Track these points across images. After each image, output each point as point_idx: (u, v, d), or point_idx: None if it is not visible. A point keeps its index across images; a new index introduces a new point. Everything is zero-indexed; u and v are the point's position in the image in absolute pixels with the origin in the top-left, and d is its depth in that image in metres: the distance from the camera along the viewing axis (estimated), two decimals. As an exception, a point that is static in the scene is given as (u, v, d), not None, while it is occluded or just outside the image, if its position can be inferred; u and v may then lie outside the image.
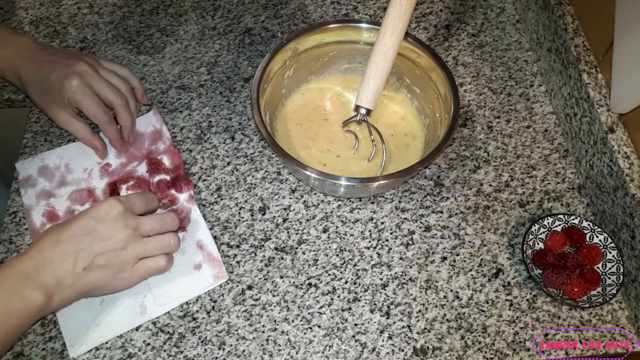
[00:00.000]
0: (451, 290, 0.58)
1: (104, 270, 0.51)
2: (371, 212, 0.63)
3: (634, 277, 0.56)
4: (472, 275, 0.59)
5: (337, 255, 0.60)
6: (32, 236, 0.60)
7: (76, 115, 0.63)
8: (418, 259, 0.60)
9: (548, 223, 0.60)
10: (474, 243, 0.61)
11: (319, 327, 0.56)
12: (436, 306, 0.57)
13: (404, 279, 0.59)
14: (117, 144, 0.64)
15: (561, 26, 0.67)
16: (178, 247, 0.56)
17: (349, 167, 0.64)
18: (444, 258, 0.60)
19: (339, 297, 0.58)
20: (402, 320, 0.56)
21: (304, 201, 0.63)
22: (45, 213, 0.61)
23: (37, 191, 0.62)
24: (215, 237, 0.61)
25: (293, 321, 0.56)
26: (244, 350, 0.54)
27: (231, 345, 0.55)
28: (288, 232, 0.61)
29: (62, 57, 0.62)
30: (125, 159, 0.64)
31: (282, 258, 0.60)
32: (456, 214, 0.63)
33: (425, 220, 0.62)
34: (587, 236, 0.59)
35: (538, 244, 0.60)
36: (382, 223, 0.62)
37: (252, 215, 0.62)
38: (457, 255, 0.60)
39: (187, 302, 0.57)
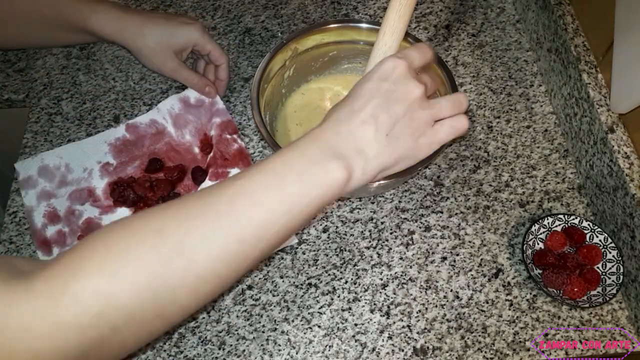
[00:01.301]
0: (451, 290, 0.58)
1: (406, 136, 0.45)
2: (371, 212, 0.63)
3: (634, 277, 0.56)
4: (472, 275, 0.59)
5: (337, 255, 0.60)
6: (34, 237, 0.60)
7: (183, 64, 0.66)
8: (418, 259, 0.60)
9: (548, 223, 0.60)
10: (474, 243, 0.61)
11: (319, 327, 0.56)
12: (436, 306, 0.57)
13: (404, 279, 0.59)
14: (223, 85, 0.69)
15: (561, 26, 0.67)
16: (468, 104, 0.49)
17: (349, 167, 0.64)
18: (444, 258, 0.60)
19: (339, 297, 0.58)
20: (402, 320, 0.56)
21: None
22: (46, 213, 0.61)
23: (38, 192, 0.62)
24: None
25: (293, 321, 0.56)
26: (244, 350, 0.54)
27: (231, 345, 0.55)
28: (288, 232, 0.61)
29: (163, 14, 0.68)
30: (126, 159, 0.64)
31: (282, 258, 0.60)
32: (456, 214, 0.63)
33: (425, 220, 0.62)
34: (587, 236, 0.59)
35: (538, 244, 0.60)
36: (382, 223, 0.62)
37: (252, 215, 0.62)
38: (457, 255, 0.60)
39: (187, 302, 0.57)
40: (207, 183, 0.63)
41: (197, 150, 0.65)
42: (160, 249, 0.36)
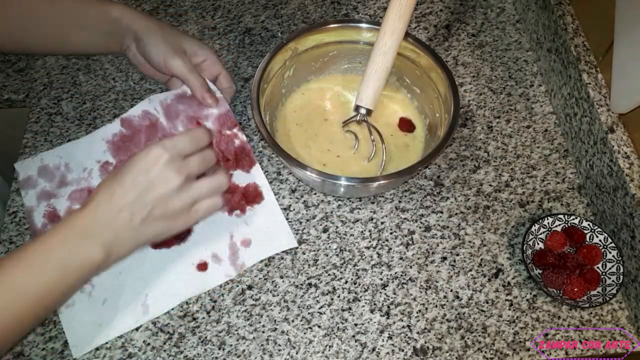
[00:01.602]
0: (451, 290, 0.58)
1: (161, 220, 0.50)
2: (371, 212, 0.63)
3: (634, 277, 0.56)
4: (472, 275, 0.59)
5: (337, 255, 0.60)
6: (33, 237, 0.60)
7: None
8: (418, 259, 0.60)
9: (548, 223, 0.60)
10: (474, 243, 0.61)
11: (319, 327, 0.56)
12: (436, 306, 0.57)
13: (404, 279, 0.59)
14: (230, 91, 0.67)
15: (561, 26, 0.67)
16: (229, 184, 0.55)
17: (349, 167, 0.64)
18: (444, 258, 0.60)
19: (339, 297, 0.58)
20: (402, 320, 0.56)
21: (304, 201, 0.63)
22: (46, 214, 0.61)
23: (38, 192, 0.62)
24: (215, 237, 0.61)
25: (293, 321, 0.56)
26: (244, 350, 0.54)
27: (231, 345, 0.55)
28: (288, 232, 0.61)
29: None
30: (125, 157, 0.64)
31: (282, 258, 0.60)
32: (456, 214, 0.63)
33: (425, 220, 0.62)
34: (587, 236, 0.59)
35: (538, 244, 0.60)
36: (382, 223, 0.62)
37: (252, 215, 0.62)
38: (457, 255, 0.60)
39: (187, 302, 0.57)
40: None
41: None
42: None
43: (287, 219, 0.62)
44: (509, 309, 0.57)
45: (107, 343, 0.55)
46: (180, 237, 0.60)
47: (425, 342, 0.55)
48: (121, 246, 0.49)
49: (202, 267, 0.58)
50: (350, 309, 0.57)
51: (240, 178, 0.63)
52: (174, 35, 0.63)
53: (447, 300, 0.57)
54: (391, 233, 0.62)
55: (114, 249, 0.49)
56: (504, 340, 0.55)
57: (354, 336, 0.55)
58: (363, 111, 0.60)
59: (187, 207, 0.51)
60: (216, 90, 0.65)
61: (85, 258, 0.47)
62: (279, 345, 0.55)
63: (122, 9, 0.63)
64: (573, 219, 0.60)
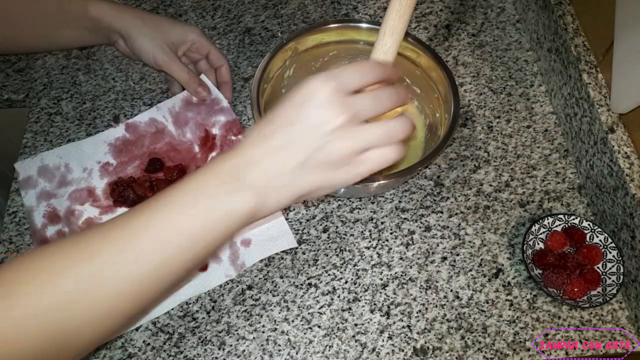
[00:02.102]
0: (451, 290, 0.58)
1: (322, 167, 0.41)
2: (371, 212, 0.63)
3: (634, 277, 0.56)
4: (472, 275, 0.59)
5: (337, 255, 0.60)
6: (33, 237, 0.60)
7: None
8: (418, 259, 0.60)
9: (548, 223, 0.60)
10: (474, 243, 0.61)
11: (319, 327, 0.56)
12: (436, 306, 0.57)
13: (404, 279, 0.59)
14: (229, 87, 0.67)
15: (561, 26, 0.67)
16: (409, 133, 0.44)
17: (349, 167, 0.64)
18: (444, 258, 0.60)
19: (339, 297, 0.58)
20: (402, 321, 0.56)
21: (304, 201, 0.63)
22: (46, 214, 0.61)
23: (38, 192, 0.62)
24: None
25: (293, 321, 0.56)
26: (244, 351, 0.54)
27: (231, 345, 0.55)
28: (288, 232, 0.61)
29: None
30: (126, 158, 0.64)
31: (282, 258, 0.60)
32: (456, 214, 0.63)
33: (426, 220, 0.62)
34: (587, 236, 0.59)
35: (538, 244, 0.60)
36: (382, 223, 0.62)
37: (252, 215, 0.62)
38: (457, 255, 0.60)
39: (186, 302, 0.57)
40: None
41: (197, 149, 0.65)
42: (64, 287, 0.38)
43: (287, 219, 0.62)
44: (509, 309, 0.57)
45: (107, 343, 0.55)
46: None
47: (426, 342, 0.55)
48: (276, 196, 0.41)
49: (202, 267, 0.58)
50: (350, 309, 0.57)
51: None
52: (157, 26, 0.64)
53: (447, 301, 0.57)
54: (391, 233, 0.62)
55: (268, 198, 0.41)
56: (504, 340, 0.55)
57: (354, 336, 0.55)
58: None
59: (353, 155, 0.41)
60: (222, 98, 0.67)
61: (232, 206, 0.40)
62: (279, 345, 0.55)
63: (100, 7, 0.63)
64: (573, 219, 0.60)
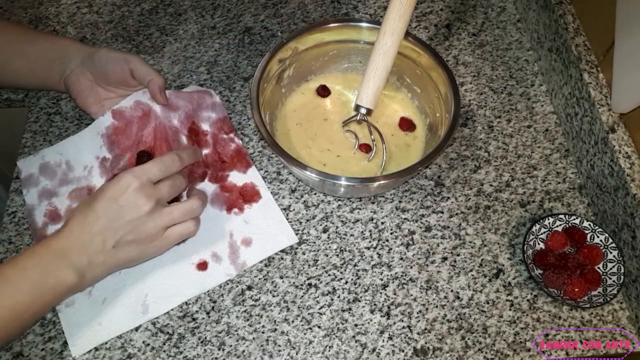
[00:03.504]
0: (452, 291, 0.58)
1: (133, 245, 0.52)
2: (371, 212, 0.63)
3: (634, 277, 0.55)
4: (472, 275, 0.59)
5: (337, 255, 0.60)
6: (34, 236, 0.60)
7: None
8: (418, 259, 0.60)
9: (549, 223, 0.60)
10: (474, 243, 0.61)
11: (319, 327, 0.56)
12: (436, 306, 0.57)
13: (404, 279, 0.59)
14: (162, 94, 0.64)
15: (562, 25, 0.67)
16: (202, 210, 0.57)
17: (349, 167, 0.64)
18: (445, 258, 0.60)
19: (339, 297, 0.57)
20: (403, 321, 0.56)
21: (304, 201, 0.63)
22: (47, 212, 0.60)
23: (39, 190, 0.62)
24: (215, 237, 0.60)
25: (293, 322, 0.56)
26: (243, 351, 0.54)
27: (231, 346, 0.55)
28: (288, 232, 0.61)
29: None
30: (119, 151, 0.63)
31: (282, 258, 0.60)
32: (457, 214, 0.63)
33: (426, 221, 0.62)
34: (588, 236, 0.59)
35: (539, 244, 0.60)
36: (382, 223, 0.62)
37: (252, 215, 0.62)
38: (458, 255, 0.60)
39: (186, 303, 0.57)
40: (207, 184, 0.63)
41: (184, 139, 0.64)
42: None
43: (287, 219, 0.62)
44: (510, 310, 0.57)
45: (106, 343, 0.55)
46: None
47: (426, 343, 0.55)
48: (94, 270, 0.51)
49: (202, 266, 0.58)
50: (350, 309, 0.57)
51: (237, 178, 0.64)
52: (106, 50, 0.63)
53: (448, 301, 0.57)
54: (391, 233, 0.61)
55: (88, 273, 0.51)
56: (504, 340, 0.55)
57: (354, 337, 0.55)
58: (363, 111, 0.60)
59: (159, 232, 0.53)
60: (213, 92, 0.66)
61: (58, 280, 0.49)
62: (279, 345, 0.55)
63: (67, 42, 0.64)
64: (574, 219, 0.59)
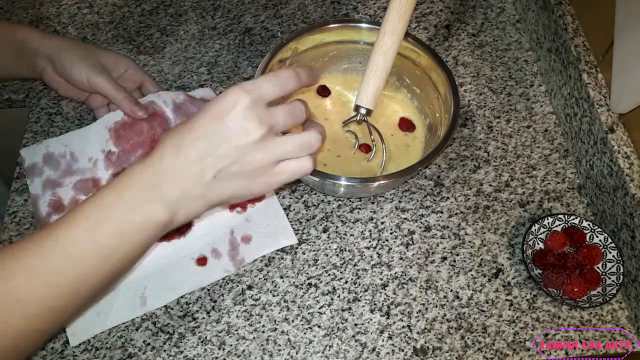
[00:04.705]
0: (451, 290, 0.58)
1: (237, 178, 0.42)
2: (371, 212, 0.63)
3: (634, 277, 0.56)
4: (472, 275, 0.59)
5: (337, 255, 0.60)
6: (38, 226, 0.60)
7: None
8: (418, 259, 0.60)
9: (548, 223, 0.60)
10: (474, 243, 0.61)
11: (319, 327, 0.56)
12: (436, 306, 0.57)
13: (404, 279, 0.59)
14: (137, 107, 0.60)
15: (561, 26, 0.67)
16: (320, 144, 0.45)
17: (349, 167, 0.64)
18: (444, 258, 0.60)
19: (339, 297, 0.58)
20: (402, 320, 0.56)
21: (304, 201, 0.63)
22: (50, 203, 0.61)
23: (43, 180, 0.62)
24: (215, 237, 0.61)
25: (293, 321, 0.56)
26: (244, 350, 0.54)
27: (231, 345, 0.55)
28: (288, 232, 0.61)
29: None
30: (127, 145, 0.63)
31: (282, 258, 0.60)
32: (456, 214, 0.63)
33: (425, 220, 0.62)
34: (587, 236, 0.59)
35: (538, 244, 0.60)
36: (382, 223, 0.62)
37: (252, 215, 0.62)
38: (457, 255, 0.60)
39: (186, 302, 0.57)
40: None
41: None
42: None
43: (287, 218, 0.62)
44: (509, 309, 0.57)
45: (107, 343, 0.55)
46: (181, 231, 0.60)
47: (425, 342, 0.55)
48: (189, 206, 0.42)
49: (202, 261, 0.59)
50: (350, 309, 0.57)
51: None
52: (89, 51, 0.60)
53: (447, 300, 0.57)
54: (391, 233, 0.62)
55: (181, 209, 0.42)
56: (504, 340, 0.55)
57: (354, 336, 0.55)
58: (363, 111, 0.60)
59: (269, 166, 0.43)
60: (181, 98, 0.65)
61: (146, 218, 0.41)
62: (279, 345, 0.55)
63: (27, 31, 0.59)
64: (573, 219, 0.60)
